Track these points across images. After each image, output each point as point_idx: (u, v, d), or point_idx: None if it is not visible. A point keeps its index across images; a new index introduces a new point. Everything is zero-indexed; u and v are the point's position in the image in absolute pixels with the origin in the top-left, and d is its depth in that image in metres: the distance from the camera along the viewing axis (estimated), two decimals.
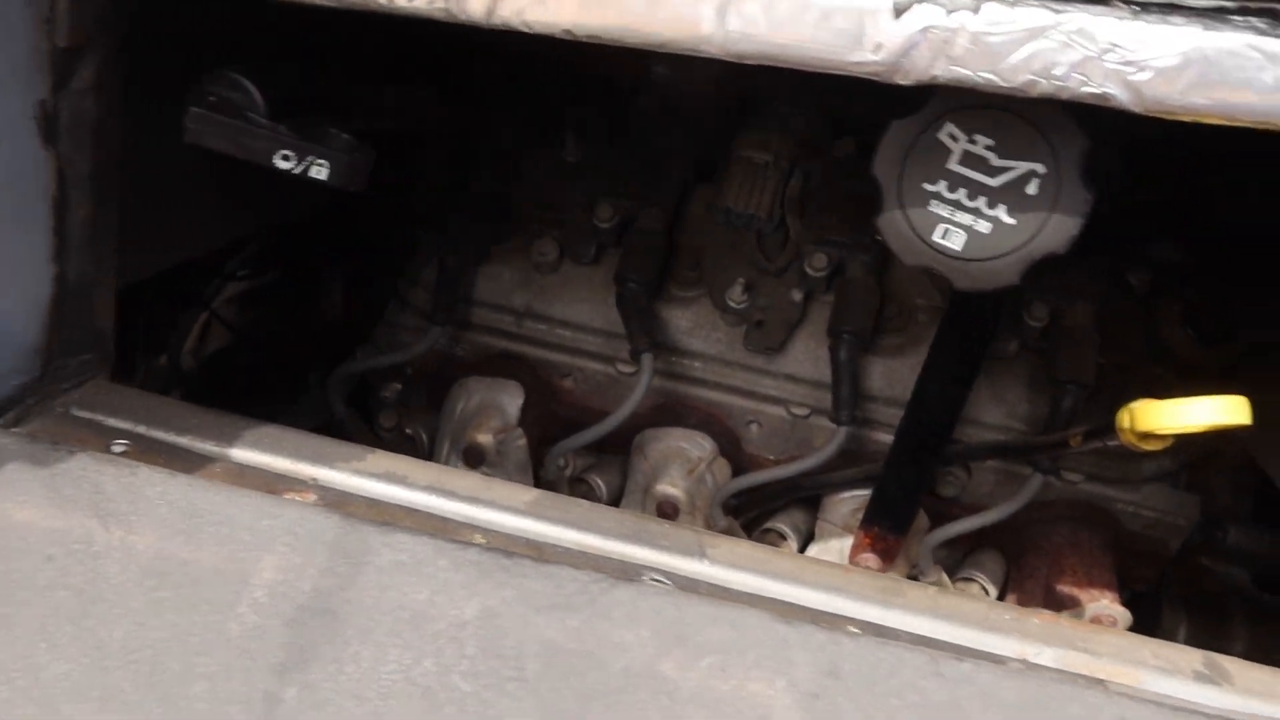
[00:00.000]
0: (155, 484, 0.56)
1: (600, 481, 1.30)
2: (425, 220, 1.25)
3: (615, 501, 1.31)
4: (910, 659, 0.53)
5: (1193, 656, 0.68)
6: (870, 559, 1.12)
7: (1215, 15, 0.50)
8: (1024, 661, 0.63)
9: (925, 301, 1.20)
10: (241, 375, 1.41)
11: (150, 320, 1.21)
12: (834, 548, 1.21)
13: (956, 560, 1.29)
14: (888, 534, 1.12)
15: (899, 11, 0.51)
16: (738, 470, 1.26)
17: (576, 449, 1.21)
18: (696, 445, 1.24)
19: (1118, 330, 1.17)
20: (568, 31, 0.56)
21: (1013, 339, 1.15)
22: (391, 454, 0.69)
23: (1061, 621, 0.68)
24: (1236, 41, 0.50)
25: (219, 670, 0.49)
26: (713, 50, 0.54)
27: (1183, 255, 0.99)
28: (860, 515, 1.13)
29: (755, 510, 1.28)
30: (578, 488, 1.30)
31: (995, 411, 1.19)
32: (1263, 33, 0.49)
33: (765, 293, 1.19)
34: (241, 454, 0.66)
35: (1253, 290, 1.05)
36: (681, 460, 1.24)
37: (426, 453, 1.34)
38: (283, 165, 0.67)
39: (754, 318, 1.19)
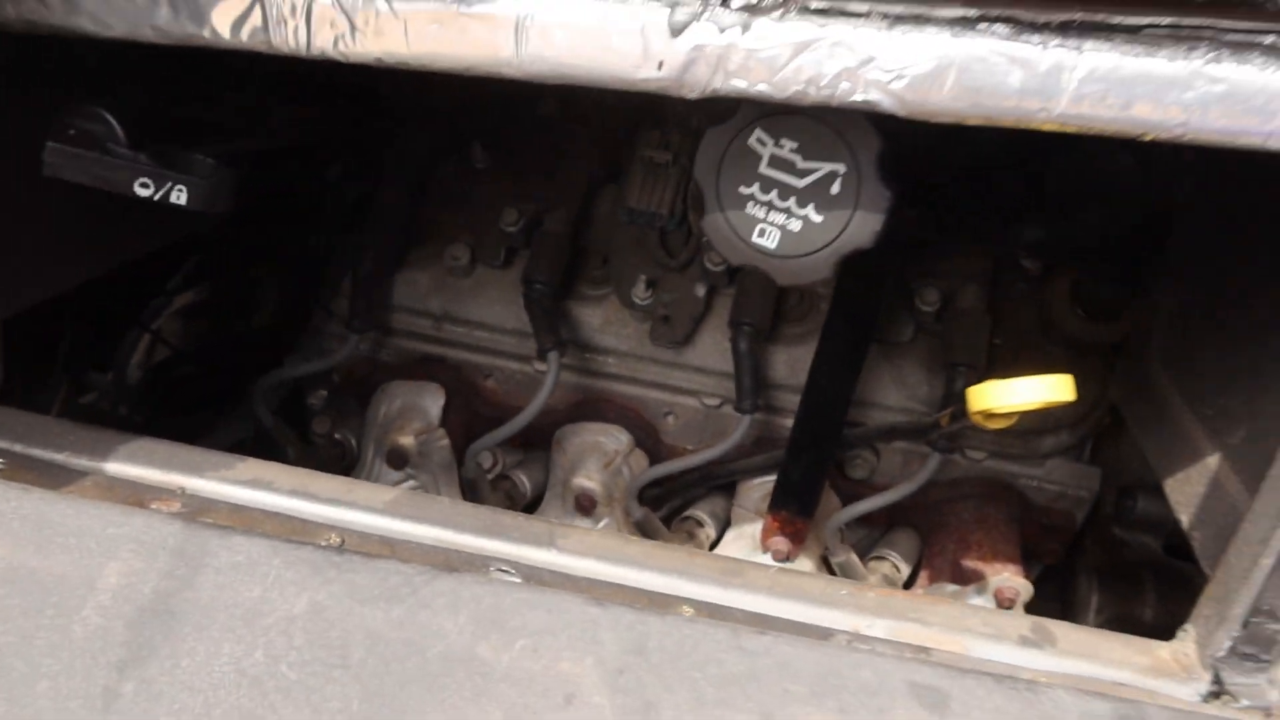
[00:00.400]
0: (11, 499, 0.60)
1: (524, 478, 1.35)
2: (338, 231, 1.28)
3: (541, 495, 1.35)
4: (713, 634, 0.57)
5: (1021, 623, 0.72)
6: (780, 542, 1.16)
7: (961, 24, 0.54)
8: (855, 634, 0.68)
9: (827, 290, 1.24)
10: (182, 387, 1.45)
11: (76, 337, 1.25)
12: (748, 532, 1.26)
13: (874, 540, 1.34)
14: (795, 517, 1.16)
15: (675, 31, 0.55)
16: (658, 461, 1.30)
17: (492, 446, 1.25)
18: (613, 438, 1.28)
19: (1012, 311, 1.21)
20: (379, 60, 0.60)
21: (908, 323, 1.20)
22: (260, 461, 0.73)
23: (896, 595, 0.72)
24: (983, 48, 0.54)
25: (62, 669, 0.53)
26: (512, 73, 0.58)
27: (1056, 237, 1.03)
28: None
29: (676, 499, 1.32)
30: (501, 484, 1.34)
31: (896, 394, 1.23)
32: (1006, 38, 0.53)
33: (669, 288, 1.23)
34: (114, 467, 0.70)
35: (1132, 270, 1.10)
36: (598, 454, 1.28)
37: (355, 457, 1.39)
38: (142, 193, 0.71)
39: (659, 313, 1.23)
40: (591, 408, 1.31)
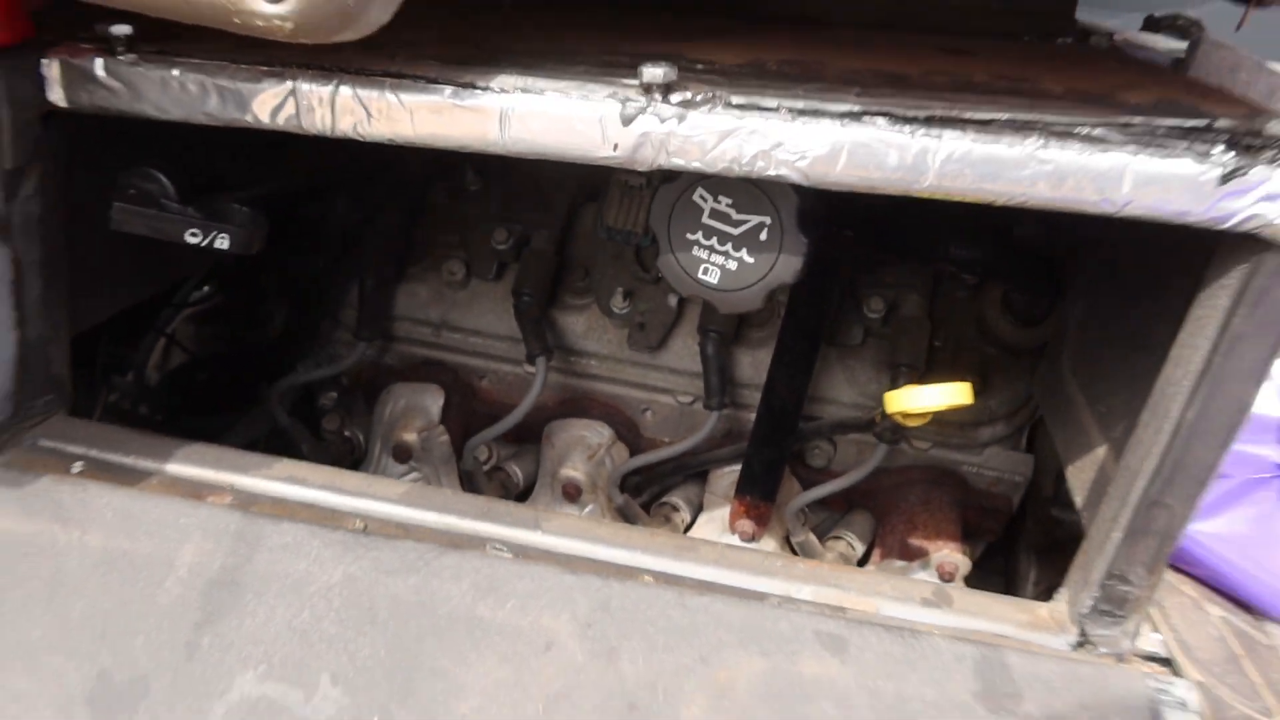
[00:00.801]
0: (103, 496, 0.76)
1: (517, 469, 1.51)
2: (344, 249, 1.44)
3: (532, 485, 1.51)
4: (664, 596, 0.73)
5: (925, 588, 0.88)
6: (745, 524, 1.32)
7: (849, 117, 0.69)
8: (785, 597, 0.84)
9: (785, 298, 1.40)
10: (199, 389, 1.61)
11: (113, 345, 1.41)
12: (718, 516, 1.42)
13: (834, 521, 1.50)
14: (759, 502, 1.32)
15: (626, 122, 0.71)
16: (638, 453, 1.46)
17: (488, 441, 1.41)
18: (596, 433, 1.44)
19: (950, 317, 1.37)
20: (390, 139, 0.75)
21: (859, 328, 1.35)
22: (293, 460, 0.89)
23: (822, 566, 0.88)
24: (867, 135, 0.69)
25: (153, 628, 0.69)
26: (499, 150, 0.74)
27: (981, 255, 1.19)
28: None
29: (654, 487, 1.48)
30: (496, 475, 1.50)
31: (849, 391, 1.39)
32: (884, 128, 0.69)
33: (644, 299, 1.39)
34: (173, 468, 0.86)
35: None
36: (583, 447, 1.44)
37: (363, 452, 1.55)
38: (191, 241, 0.86)
39: (636, 321, 1.39)
40: (577, 405, 1.47)
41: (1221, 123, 0.68)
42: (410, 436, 1.44)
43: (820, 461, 1.43)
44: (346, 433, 1.55)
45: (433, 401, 1.47)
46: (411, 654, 0.69)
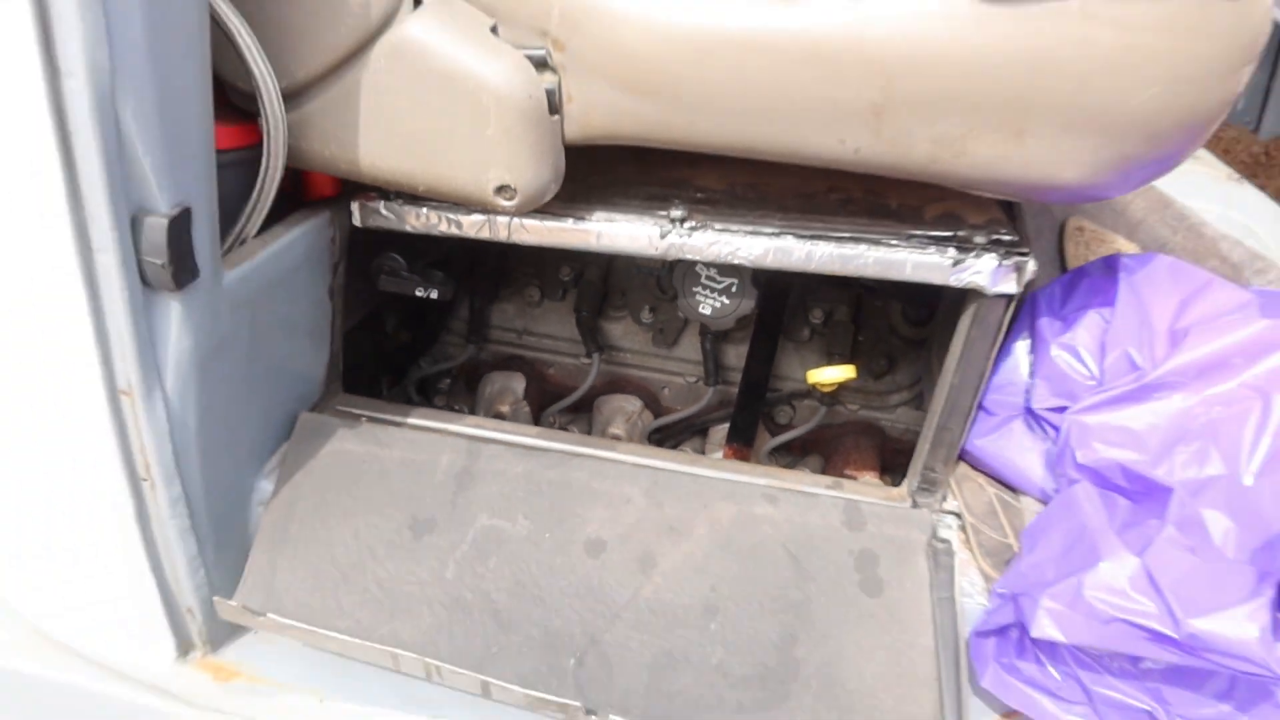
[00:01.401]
0: (392, 432, 1.51)
1: (576, 430, 2.26)
2: (458, 279, 2.19)
3: None
4: (683, 478, 1.48)
5: (827, 480, 1.62)
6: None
7: (773, 234, 1.43)
8: (737, 480, 1.58)
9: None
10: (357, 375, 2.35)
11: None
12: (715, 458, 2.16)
13: (794, 461, 2.24)
14: (742, 447, 2.06)
15: (663, 237, 1.44)
16: (659, 416, 2.21)
17: (558, 411, 2.16)
18: (631, 403, 2.19)
19: (869, 321, 2.11)
20: (524, 242, 1.48)
21: (806, 329, 2.09)
22: (476, 417, 1.63)
23: (772, 470, 1.62)
24: (783, 243, 1.43)
25: (433, 495, 1.44)
26: (593, 250, 1.47)
27: (888, 284, 1.93)
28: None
29: (671, 441, 2.23)
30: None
31: (800, 372, 2.13)
32: (792, 238, 1.43)
33: (663, 312, 2.13)
34: (416, 420, 1.61)
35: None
36: (622, 413, 2.18)
37: None
38: (419, 294, 1.60)
39: (657, 327, 2.13)
40: (616, 385, 2.21)
41: (961, 233, 1.41)
42: (505, 408, 2.18)
43: (784, 420, 2.18)
44: (455, 407, 2.30)
45: (518, 384, 2.21)
46: (561, 504, 1.44)
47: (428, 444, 1.52)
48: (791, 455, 2.25)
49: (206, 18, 1.11)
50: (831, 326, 2.09)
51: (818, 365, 2.12)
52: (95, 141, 1.01)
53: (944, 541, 1.47)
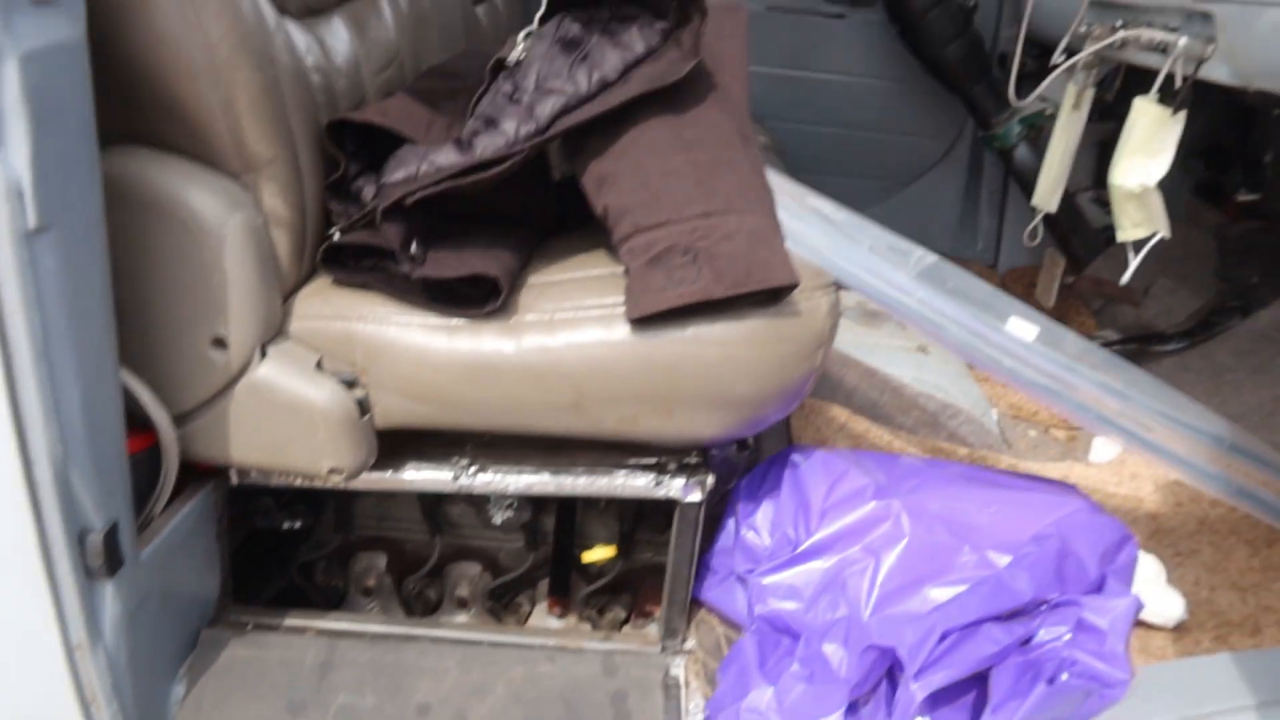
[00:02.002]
0: (270, 636, 2.10)
1: (434, 592, 2.86)
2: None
3: (441, 600, 2.87)
4: (483, 647, 2.10)
5: (599, 634, 2.26)
6: (556, 609, 2.71)
7: None
8: (530, 644, 2.22)
9: None
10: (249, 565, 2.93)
11: None
12: (542, 608, 2.80)
13: (610, 600, 2.88)
14: (563, 598, 2.70)
15: None
16: (497, 576, 2.83)
17: (417, 579, 2.78)
18: (473, 568, 2.81)
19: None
20: (363, 491, 2.11)
21: (602, 501, 2.75)
22: (339, 612, 2.24)
23: (554, 631, 2.26)
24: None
25: (299, 683, 2.03)
26: (402, 490, 2.11)
27: None
28: None
29: (510, 594, 2.85)
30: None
31: (603, 532, 2.78)
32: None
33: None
34: (289, 621, 2.21)
35: None
36: (466, 578, 2.80)
37: None
38: (285, 527, 2.21)
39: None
40: (463, 553, 2.83)
41: (661, 460, 2.08)
42: (371, 582, 2.79)
43: (595, 570, 2.82)
44: (332, 584, 2.90)
45: (381, 560, 2.83)
46: (397, 679, 2.05)
47: (299, 644, 2.12)
48: (606, 595, 2.90)
49: (121, 388, 1.74)
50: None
51: (613, 527, 2.78)
52: (56, 501, 1.62)
53: (674, 678, 2.12)
